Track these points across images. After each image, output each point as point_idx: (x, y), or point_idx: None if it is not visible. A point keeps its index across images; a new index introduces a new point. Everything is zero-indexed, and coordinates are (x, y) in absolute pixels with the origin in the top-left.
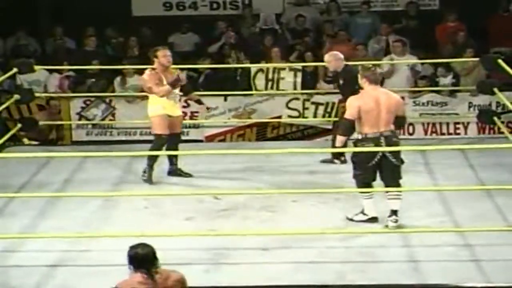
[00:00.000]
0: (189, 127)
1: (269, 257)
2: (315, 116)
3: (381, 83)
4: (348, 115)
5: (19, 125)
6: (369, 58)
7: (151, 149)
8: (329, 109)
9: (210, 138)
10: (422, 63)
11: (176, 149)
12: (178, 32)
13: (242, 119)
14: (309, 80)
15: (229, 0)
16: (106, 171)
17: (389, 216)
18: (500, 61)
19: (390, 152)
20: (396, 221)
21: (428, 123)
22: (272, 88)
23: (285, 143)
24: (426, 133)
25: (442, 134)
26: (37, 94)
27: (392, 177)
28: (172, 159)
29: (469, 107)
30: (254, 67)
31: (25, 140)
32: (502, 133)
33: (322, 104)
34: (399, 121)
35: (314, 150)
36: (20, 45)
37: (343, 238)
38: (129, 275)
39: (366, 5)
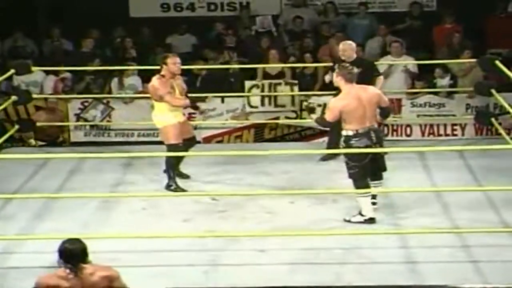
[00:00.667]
0: None
1: (266, 258)
2: None
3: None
4: (330, 117)
5: (16, 127)
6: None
7: (168, 160)
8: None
9: (207, 140)
10: (418, 64)
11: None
12: (175, 33)
13: (240, 121)
14: (309, 81)
15: (227, 2)
16: (104, 173)
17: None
18: (497, 62)
19: (379, 144)
20: (375, 203)
21: (425, 125)
22: (270, 104)
23: (282, 144)
24: (423, 135)
25: (440, 135)
26: (34, 96)
27: (379, 167)
28: None
29: (467, 108)
30: (249, 68)
31: (32, 141)
32: (500, 134)
33: (319, 105)
34: (385, 111)
35: (312, 151)
36: (18, 46)
37: (341, 239)
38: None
39: (363, 6)
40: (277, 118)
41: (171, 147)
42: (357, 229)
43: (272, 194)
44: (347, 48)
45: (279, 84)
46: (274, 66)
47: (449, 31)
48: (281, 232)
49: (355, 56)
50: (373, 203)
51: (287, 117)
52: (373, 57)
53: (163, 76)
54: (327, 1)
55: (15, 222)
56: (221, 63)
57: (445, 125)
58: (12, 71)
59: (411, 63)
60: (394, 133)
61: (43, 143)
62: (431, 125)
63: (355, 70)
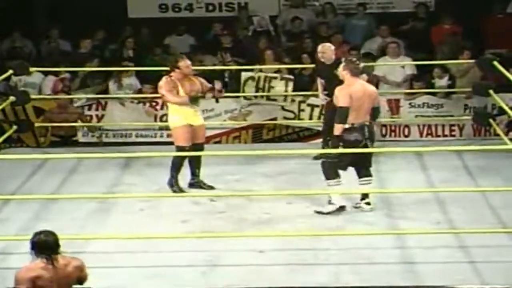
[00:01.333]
0: None
1: (264, 259)
2: (310, 118)
3: (376, 86)
4: (344, 103)
5: (14, 127)
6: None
7: (173, 161)
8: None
9: (205, 140)
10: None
11: (199, 161)
12: (173, 33)
13: (238, 121)
14: (306, 82)
15: (225, 2)
16: (101, 173)
17: (362, 199)
18: (495, 63)
19: (370, 139)
20: (369, 203)
21: (423, 125)
22: (262, 97)
23: (281, 145)
24: (421, 135)
25: (438, 136)
26: (32, 96)
27: (368, 162)
28: (195, 171)
29: (465, 109)
30: (245, 69)
31: (41, 139)
32: (498, 135)
33: (317, 106)
34: (376, 112)
35: (310, 152)
36: (16, 47)
37: (339, 240)
38: (30, 262)
39: (362, 7)
40: (275, 119)
41: (177, 149)
42: (355, 229)
43: (270, 195)
44: (326, 50)
45: (275, 78)
46: (270, 67)
47: (448, 31)
48: (278, 233)
49: (334, 58)
50: (367, 203)
51: (285, 118)
52: (371, 57)
53: (170, 76)
54: (326, 2)
55: (14, 222)
56: (215, 65)
57: (443, 126)
58: (10, 71)
59: (408, 63)
60: (392, 133)
61: (58, 139)
62: (429, 126)
63: (361, 64)
